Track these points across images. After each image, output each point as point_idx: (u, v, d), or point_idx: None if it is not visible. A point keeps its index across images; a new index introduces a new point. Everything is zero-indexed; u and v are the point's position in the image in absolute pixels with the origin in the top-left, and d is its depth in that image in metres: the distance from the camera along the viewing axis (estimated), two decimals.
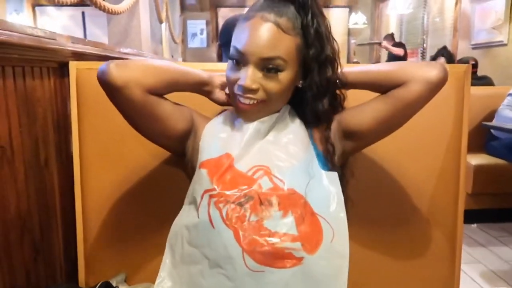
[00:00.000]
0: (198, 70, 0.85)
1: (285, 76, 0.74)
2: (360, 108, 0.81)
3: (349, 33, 8.13)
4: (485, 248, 2.26)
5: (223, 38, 1.50)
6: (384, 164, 1.02)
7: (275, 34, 0.72)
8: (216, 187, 0.72)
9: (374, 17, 7.82)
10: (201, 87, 0.83)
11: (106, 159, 1.00)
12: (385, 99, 0.78)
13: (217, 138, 0.79)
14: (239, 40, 0.73)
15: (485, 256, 2.16)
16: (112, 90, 0.72)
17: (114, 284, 0.93)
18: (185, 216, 0.77)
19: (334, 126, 0.82)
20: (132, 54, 1.72)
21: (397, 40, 6.10)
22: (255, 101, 0.74)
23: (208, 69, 1.05)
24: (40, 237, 0.95)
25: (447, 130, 1.03)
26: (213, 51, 7.19)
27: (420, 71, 0.76)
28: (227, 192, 0.72)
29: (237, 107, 0.76)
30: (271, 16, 0.72)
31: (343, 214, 0.75)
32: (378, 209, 1.02)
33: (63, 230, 1.05)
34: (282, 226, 0.70)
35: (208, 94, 0.85)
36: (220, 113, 0.87)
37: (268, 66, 0.72)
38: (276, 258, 0.69)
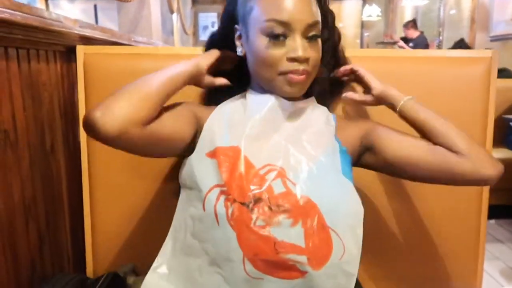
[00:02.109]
0: (182, 62, 0.75)
1: (320, 42, 0.73)
2: (399, 137, 0.76)
3: (363, 25, 8.01)
4: (504, 245, 2.19)
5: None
6: None
7: None
8: (225, 183, 0.66)
9: (388, 9, 7.68)
10: (191, 82, 0.75)
11: None
12: (433, 150, 0.73)
13: (226, 125, 0.73)
14: (276, 11, 0.67)
15: (504, 253, 2.09)
16: (109, 141, 0.62)
17: (122, 275, 0.91)
18: (189, 205, 0.71)
19: (362, 132, 0.79)
20: (142, 42, 1.69)
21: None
22: (307, 73, 0.71)
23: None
24: (45, 225, 0.92)
25: (472, 120, 0.98)
26: None
27: (481, 159, 0.71)
28: (236, 191, 0.65)
29: (290, 82, 0.70)
30: None
31: (359, 231, 0.69)
32: (398, 202, 0.98)
33: (71, 219, 1.03)
34: (289, 236, 0.64)
35: (199, 83, 0.77)
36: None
37: (311, 33, 0.70)
38: (278, 268, 0.64)
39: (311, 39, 0.70)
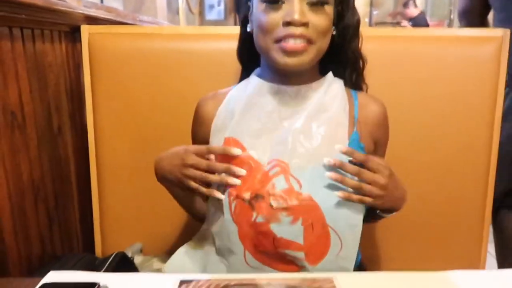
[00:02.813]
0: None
1: (329, 10, 0.66)
2: None
3: (371, 4, 7.84)
4: None
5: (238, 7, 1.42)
6: (409, 136, 0.97)
7: None
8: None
9: None
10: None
11: (120, 127, 0.97)
12: None
13: (231, 118, 0.71)
14: None
15: None
16: None
17: (129, 255, 0.92)
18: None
19: (374, 138, 0.76)
20: (147, 21, 1.67)
21: (429, 11, 5.77)
22: (305, 41, 0.64)
23: (226, 33, 1.00)
24: (54, 205, 0.93)
25: (481, 101, 0.97)
26: (231, 24, 7.05)
27: None
28: (239, 187, 0.65)
29: (284, 51, 0.64)
30: None
31: (358, 228, 0.67)
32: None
33: (79, 199, 1.04)
34: (288, 233, 0.64)
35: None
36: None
37: None
38: (277, 260, 0.66)
39: (315, 4, 0.64)
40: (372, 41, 0.96)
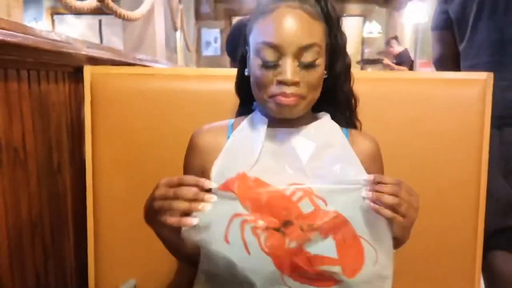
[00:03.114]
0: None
1: (321, 64, 0.71)
2: None
3: (363, 42, 8.10)
4: None
5: (229, 48, 1.48)
6: (399, 174, 0.99)
7: (307, 20, 0.68)
8: (250, 211, 0.66)
9: (388, 26, 7.78)
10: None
11: (119, 165, 0.99)
12: None
13: (235, 157, 0.73)
14: (269, 34, 0.68)
15: None
16: None
17: None
18: (205, 241, 0.67)
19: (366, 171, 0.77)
20: (146, 60, 1.73)
21: (411, 49, 5.98)
22: (298, 97, 0.69)
23: (222, 75, 1.05)
24: (51, 241, 0.94)
25: (468, 139, 1.01)
26: (227, 59, 7.23)
27: None
28: (265, 218, 0.66)
29: (278, 105, 0.69)
30: (296, 3, 0.69)
31: (388, 234, 0.70)
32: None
33: (75, 235, 1.05)
34: (322, 250, 0.66)
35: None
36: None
37: (306, 56, 0.68)
38: (316, 279, 0.66)
39: (306, 62, 0.69)
40: (365, 83, 1.02)
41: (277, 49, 0.68)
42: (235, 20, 7.64)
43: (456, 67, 1.45)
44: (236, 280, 0.67)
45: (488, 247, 1.07)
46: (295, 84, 0.68)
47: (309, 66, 0.69)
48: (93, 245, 1.00)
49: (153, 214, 0.66)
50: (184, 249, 0.71)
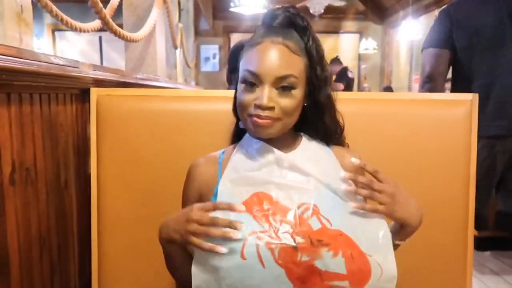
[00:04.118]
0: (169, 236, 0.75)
1: (297, 93, 0.78)
2: None
3: (360, 58, 8.23)
4: (499, 276, 2.21)
5: (231, 64, 1.57)
6: None
7: (287, 54, 0.77)
8: (266, 227, 0.71)
9: (384, 42, 7.91)
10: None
11: (123, 182, 1.04)
12: None
13: (240, 180, 0.79)
14: (252, 64, 0.77)
15: (498, 285, 2.12)
16: None
17: None
18: (219, 259, 0.71)
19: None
20: (148, 79, 1.79)
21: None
22: (272, 119, 0.77)
23: (221, 96, 1.11)
24: (57, 256, 0.98)
25: (456, 157, 1.05)
26: (225, 75, 7.31)
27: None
28: (279, 234, 0.71)
29: (254, 124, 0.78)
30: (279, 39, 0.78)
31: (391, 248, 0.76)
32: None
33: (79, 250, 1.08)
34: (332, 266, 0.71)
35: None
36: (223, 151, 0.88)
37: (283, 84, 0.76)
38: None
39: (283, 89, 0.77)
40: (355, 104, 1.07)
41: (257, 77, 0.77)
42: (233, 37, 7.77)
43: (444, 83, 1.55)
44: None
45: None
46: (269, 108, 0.76)
47: (284, 93, 0.77)
48: (97, 260, 1.04)
49: (177, 236, 0.72)
50: (185, 269, 0.76)
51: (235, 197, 0.76)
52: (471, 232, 1.06)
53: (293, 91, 0.78)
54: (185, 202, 0.86)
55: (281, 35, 0.78)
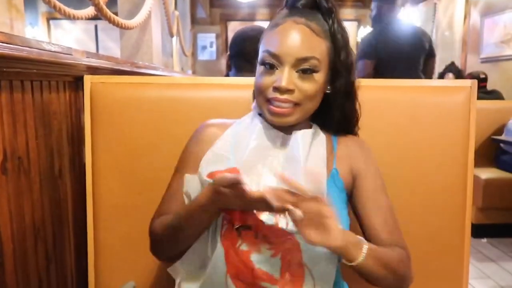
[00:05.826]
0: (197, 197, 0.73)
1: (319, 77, 0.75)
2: (375, 205, 0.80)
3: (358, 45, 8.18)
4: (495, 263, 2.23)
5: (232, 49, 1.55)
6: (390, 178, 1.03)
7: (309, 35, 0.74)
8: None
9: None
10: (213, 214, 0.72)
11: (118, 170, 1.03)
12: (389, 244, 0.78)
13: (230, 150, 0.78)
14: (272, 44, 0.74)
15: (495, 272, 2.13)
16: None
17: None
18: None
19: (354, 172, 0.82)
20: (143, 67, 1.76)
21: None
22: (291, 105, 0.73)
23: (217, 83, 1.09)
24: (52, 246, 0.97)
25: (455, 144, 1.05)
26: (222, 64, 7.25)
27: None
28: (231, 214, 0.71)
29: (270, 112, 0.74)
30: (302, 19, 0.74)
31: (333, 267, 0.72)
32: None
33: (75, 239, 1.08)
34: (266, 265, 0.70)
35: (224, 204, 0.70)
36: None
37: (304, 67, 0.73)
38: None
39: (304, 72, 0.73)
40: None
41: (277, 58, 0.73)
42: (231, 25, 7.69)
43: None
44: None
45: None
46: (289, 91, 0.73)
47: (306, 76, 0.74)
48: (93, 249, 1.03)
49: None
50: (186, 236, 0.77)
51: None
52: (469, 219, 1.05)
53: (315, 75, 0.74)
54: (184, 160, 0.84)
55: (304, 16, 0.75)
